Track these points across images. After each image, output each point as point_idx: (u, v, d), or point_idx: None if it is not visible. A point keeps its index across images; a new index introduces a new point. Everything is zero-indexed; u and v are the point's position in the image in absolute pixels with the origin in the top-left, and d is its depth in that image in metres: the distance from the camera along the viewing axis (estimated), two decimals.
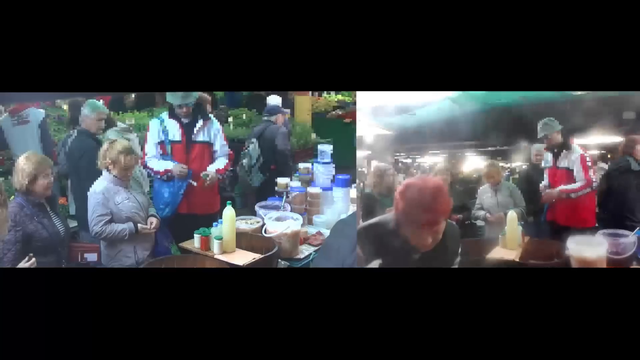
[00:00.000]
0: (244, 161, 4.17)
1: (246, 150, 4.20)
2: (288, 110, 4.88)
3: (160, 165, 3.22)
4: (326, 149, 3.63)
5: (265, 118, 4.34)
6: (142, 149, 3.33)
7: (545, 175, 3.41)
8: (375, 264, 1.58)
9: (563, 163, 3.26)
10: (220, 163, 3.29)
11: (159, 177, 3.24)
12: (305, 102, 6.96)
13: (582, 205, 3.25)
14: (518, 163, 5.31)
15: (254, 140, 4.20)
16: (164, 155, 3.24)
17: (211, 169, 3.23)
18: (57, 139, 4.23)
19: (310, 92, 7.31)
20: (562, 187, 3.20)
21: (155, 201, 3.19)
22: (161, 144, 3.24)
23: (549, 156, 3.38)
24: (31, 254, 2.14)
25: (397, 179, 4.29)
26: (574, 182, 3.18)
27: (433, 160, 5.05)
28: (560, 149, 3.28)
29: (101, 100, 3.93)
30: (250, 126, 5.42)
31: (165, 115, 3.29)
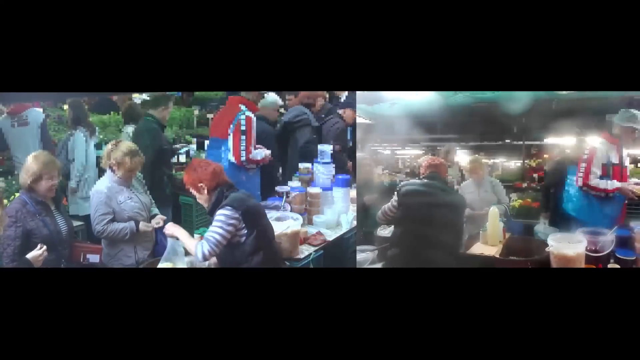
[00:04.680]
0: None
1: None
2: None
3: (260, 153, 3.47)
4: (326, 149, 3.62)
5: (337, 111, 4.54)
6: (247, 147, 3.42)
7: (600, 171, 2.95)
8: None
9: (624, 160, 3.02)
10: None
11: (254, 167, 3.47)
12: None
13: None
14: (502, 159, 5.27)
15: (317, 123, 4.48)
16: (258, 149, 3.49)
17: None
18: (56, 138, 4.21)
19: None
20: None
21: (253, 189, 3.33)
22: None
23: (612, 152, 2.98)
24: (42, 244, 2.16)
25: (376, 171, 4.27)
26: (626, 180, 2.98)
27: (414, 152, 4.99)
28: (620, 145, 3.01)
29: None
30: None
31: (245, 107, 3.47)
